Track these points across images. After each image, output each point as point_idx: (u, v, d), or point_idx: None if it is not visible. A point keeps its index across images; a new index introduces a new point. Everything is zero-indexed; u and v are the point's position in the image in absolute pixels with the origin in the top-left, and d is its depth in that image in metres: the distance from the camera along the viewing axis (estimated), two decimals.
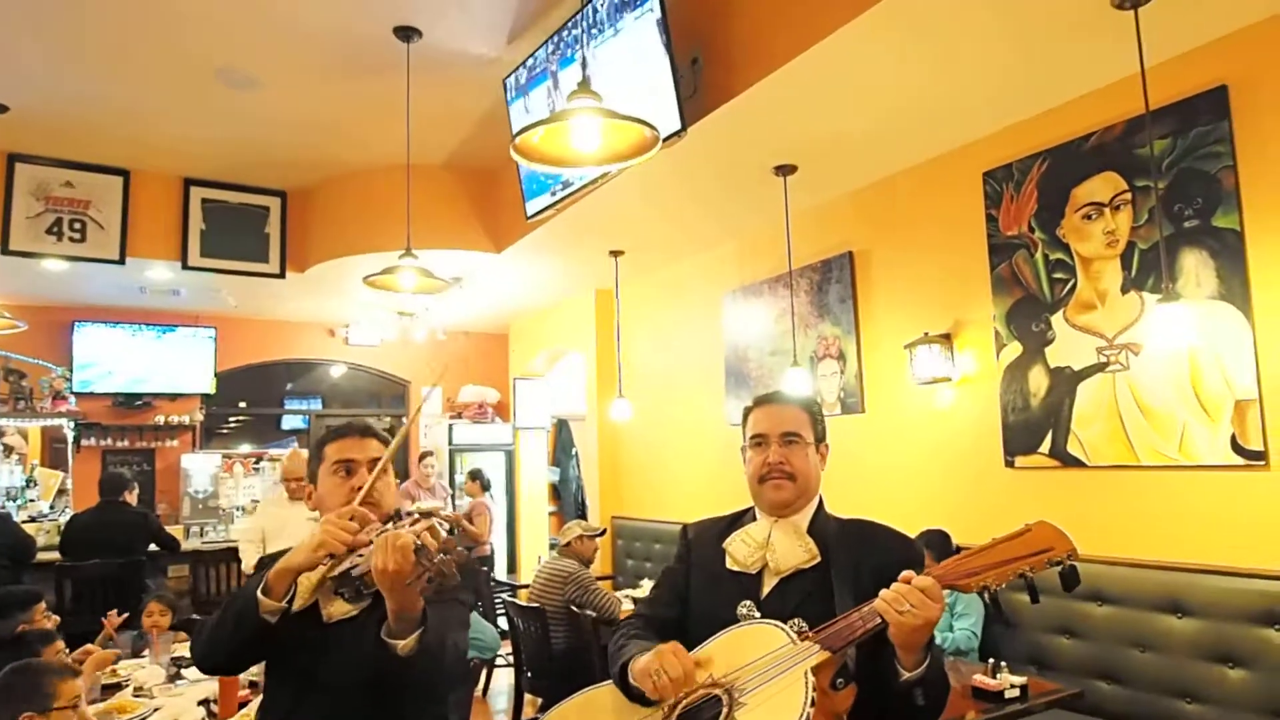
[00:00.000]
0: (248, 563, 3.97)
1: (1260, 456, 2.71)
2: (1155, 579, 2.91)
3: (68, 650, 2.43)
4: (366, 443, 1.71)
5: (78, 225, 5.00)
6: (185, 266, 5.33)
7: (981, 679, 2.55)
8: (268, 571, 1.49)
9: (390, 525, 1.48)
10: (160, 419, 6.68)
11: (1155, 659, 2.88)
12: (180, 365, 6.73)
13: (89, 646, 2.73)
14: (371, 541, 1.40)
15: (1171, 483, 2.96)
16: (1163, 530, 2.96)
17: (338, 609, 1.52)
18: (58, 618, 3.03)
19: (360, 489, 1.60)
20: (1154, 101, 2.82)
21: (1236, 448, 2.77)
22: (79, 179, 5.00)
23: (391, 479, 1.73)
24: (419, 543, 1.32)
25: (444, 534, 1.43)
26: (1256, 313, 2.74)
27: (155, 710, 2.52)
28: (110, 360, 6.49)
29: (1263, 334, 2.72)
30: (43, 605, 3.10)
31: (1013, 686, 2.52)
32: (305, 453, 5.89)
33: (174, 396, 6.76)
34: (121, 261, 5.12)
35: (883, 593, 1.27)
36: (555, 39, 3.64)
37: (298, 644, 1.53)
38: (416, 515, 1.57)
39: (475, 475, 6.27)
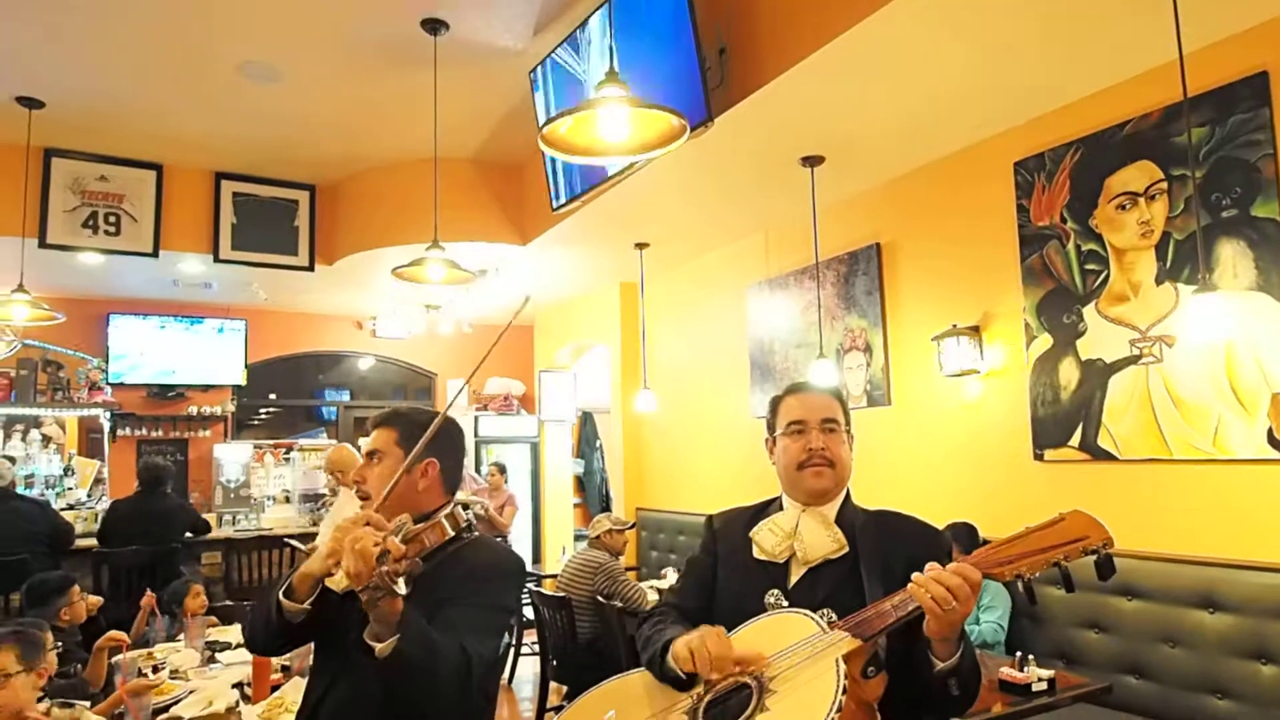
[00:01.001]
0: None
1: None
2: (1187, 573, 2.87)
3: (59, 644, 2.52)
4: (372, 432, 1.73)
5: (112, 219, 5.09)
6: (217, 259, 5.42)
7: (1009, 672, 2.53)
8: (293, 572, 1.53)
9: (407, 522, 1.44)
10: (193, 410, 6.81)
11: (1186, 654, 2.84)
12: (212, 357, 6.85)
13: (112, 634, 2.80)
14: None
15: (1205, 476, 2.91)
16: (1195, 524, 2.92)
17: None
18: (99, 599, 3.09)
19: (356, 482, 1.65)
20: (1192, 89, 2.76)
21: (1273, 441, 2.72)
22: (113, 173, 5.09)
23: (396, 468, 1.64)
24: (383, 549, 1.30)
25: (446, 531, 1.41)
26: None
27: (190, 693, 2.57)
28: (143, 352, 6.62)
29: None
30: (77, 589, 3.18)
31: (1040, 680, 2.49)
32: (349, 447, 6.02)
33: (206, 388, 6.88)
34: (155, 254, 5.21)
35: (916, 578, 1.26)
36: (582, 30, 3.64)
37: (343, 624, 1.53)
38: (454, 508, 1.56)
39: (503, 469, 6.35)
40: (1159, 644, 2.92)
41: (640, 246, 5.30)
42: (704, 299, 5.70)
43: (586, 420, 8.71)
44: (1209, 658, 2.78)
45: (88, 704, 2.40)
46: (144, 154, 5.10)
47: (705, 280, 5.68)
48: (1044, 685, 2.49)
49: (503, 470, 6.34)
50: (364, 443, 1.71)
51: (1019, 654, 2.58)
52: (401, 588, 1.31)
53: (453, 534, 1.48)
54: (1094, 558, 1.23)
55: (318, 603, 1.51)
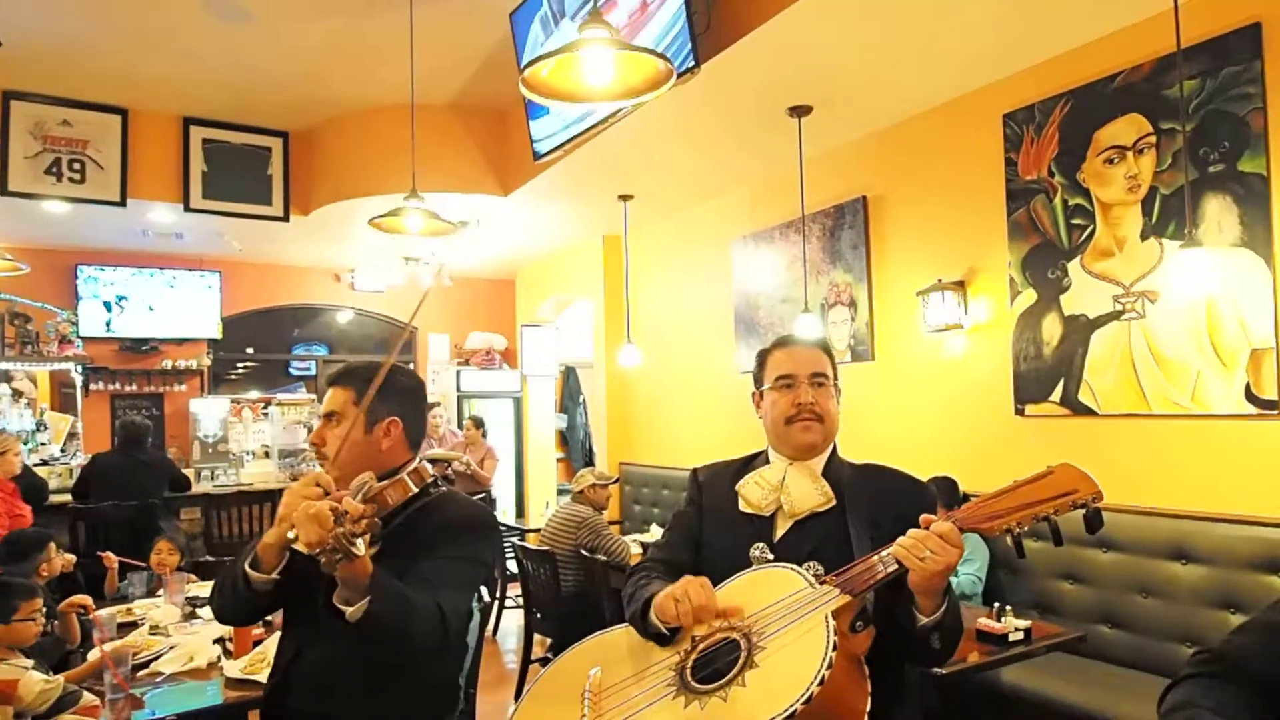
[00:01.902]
0: None
1: (1274, 406, 2.69)
2: (1162, 526, 2.92)
3: (45, 609, 2.49)
4: (328, 392, 1.68)
5: (77, 166, 4.92)
6: (187, 209, 5.27)
7: (986, 623, 2.57)
8: (257, 542, 1.51)
9: (370, 481, 1.42)
10: (167, 364, 6.70)
11: (1158, 604, 2.91)
12: (185, 310, 6.71)
13: (75, 598, 2.77)
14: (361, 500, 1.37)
15: (1183, 431, 2.94)
16: (1172, 479, 2.96)
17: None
18: (73, 557, 3.06)
19: (314, 442, 1.62)
20: (1185, 40, 2.71)
21: (1250, 397, 2.74)
22: (76, 118, 4.91)
23: (363, 435, 1.62)
24: (339, 510, 1.27)
25: (411, 488, 1.39)
26: (1278, 260, 2.68)
27: (171, 648, 2.55)
28: (114, 304, 6.47)
29: None
30: (53, 546, 3.14)
31: (1016, 630, 2.54)
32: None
33: (180, 341, 6.76)
34: (122, 203, 5.05)
35: (900, 540, 1.26)
36: None
37: (309, 594, 1.53)
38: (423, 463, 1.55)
39: (479, 423, 6.29)
40: (1133, 594, 2.98)
41: (624, 198, 5.22)
42: (689, 252, 5.64)
43: (569, 375, 8.68)
44: (1181, 608, 2.84)
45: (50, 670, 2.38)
46: (108, 97, 4.91)
47: (690, 233, 5.61)
48: (1020, 635, 2.54)
49: (479, 424, 6.27)
50: (324, 409, 1.68)
51: (996, 605, 2.62)
52: (360, 548, 1.28)
53: (416, 490, 1.46)
54: (1083, 511, 1.23)
55: (286, 580, 1.49)
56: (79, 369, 6.28)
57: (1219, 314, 2.83)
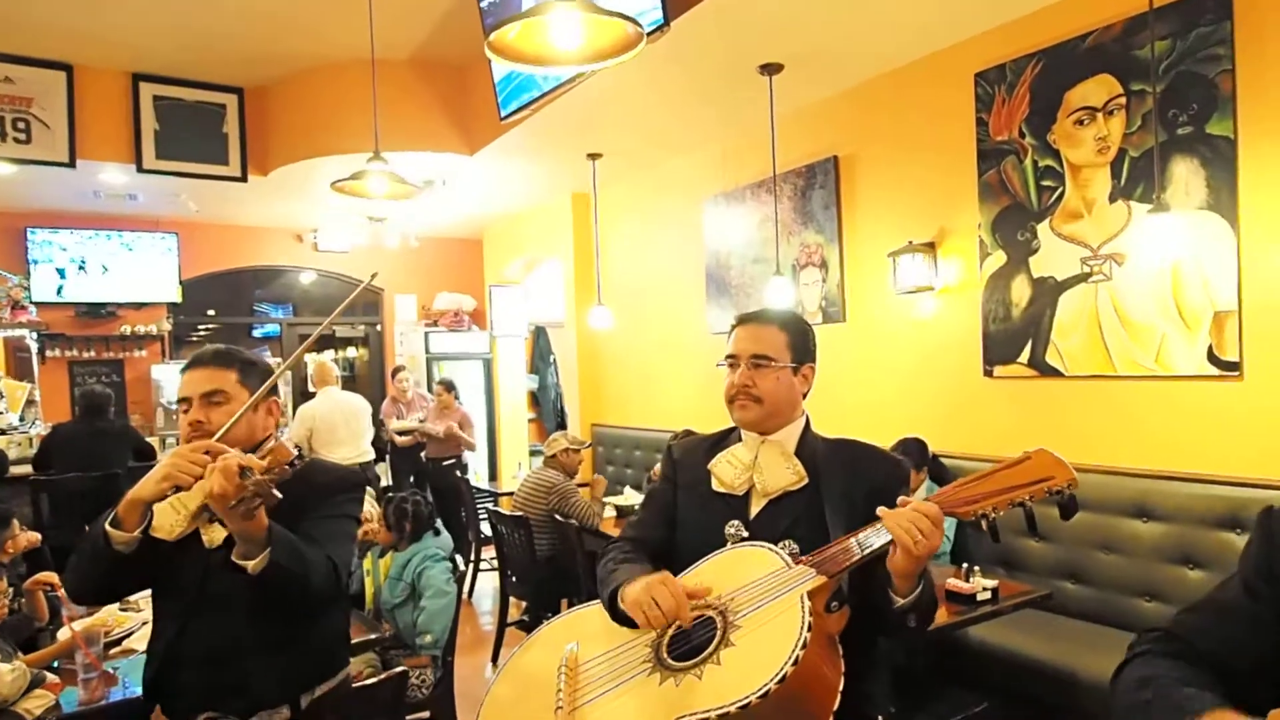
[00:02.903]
0: None
1: (1235, 367, 2.75)
2: (1126, 485, 3.00)
3: (11, 589, 2.44)
4: (199, 374, 1.68)
5: (21, 125, 4.71)
6: (140, 169, 5.07)
7: (955, 582, 2.64)
8: (117, 504, 1.51)
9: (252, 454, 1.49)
10: (126, 329, 6.52)
11: (1120, 560, 3.00)
12: (143, 273, 6.51)
13: (41, 575, 2.72)
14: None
15: (1147, 392, 3.01)
16: (1136, 439, 3.03)
17: (217, 534, 1.53)
18: (37, 535, 3.00)
19: (194, 423, 1.62)
20: None
21: (1212, 358, 2.80)
22: (18, 74, 4.67)
23: (236, 410, 1.65)
24: (244, 465, 1.37)
25: (289, 451, 1.47)
26: (1243, 223, 2.72)
27: (144, 624, 2.53)
28: (68, 268, 6.26)
29: (1247, 245, 2.71)
30: (16, 523, 3.06)
31: (984, 589, 2.61)
32: (329, 361, 6.05)
33: (139, 306, 6.57)
34: (71, 164, 4.85)
35: (892, 515, 1.25)
36: None
37: (181, 570, 1.57)
38: (280, 441, 1.57)
39: (450, 386, 6.22)
40: (1096, 551, 3.07)
41: (593, 157, 5.12)
42: (659, 212, 5.58)
43: (539, 335, 8.62)
44: (1142, 564, 2.93)
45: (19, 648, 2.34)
46: (51, 52, 4.67)
47: (660, 192, 5.55)
48: (988, 594, 2.61)
49: (450, 388, 6.21)
50: (189, 380, 1.68)
51: (965, 565, 2.68)
52: (276, 494, 1.38)
53: (296, 453, 1.53)
54: (1058, 498, 1.24)
55: (148, 548, 1.49)
56: (34, 336, 6.09)
57: (1184, 277, 2.87)
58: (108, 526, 1.48)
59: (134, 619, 2.58)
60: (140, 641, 2.41)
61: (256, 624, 1.57)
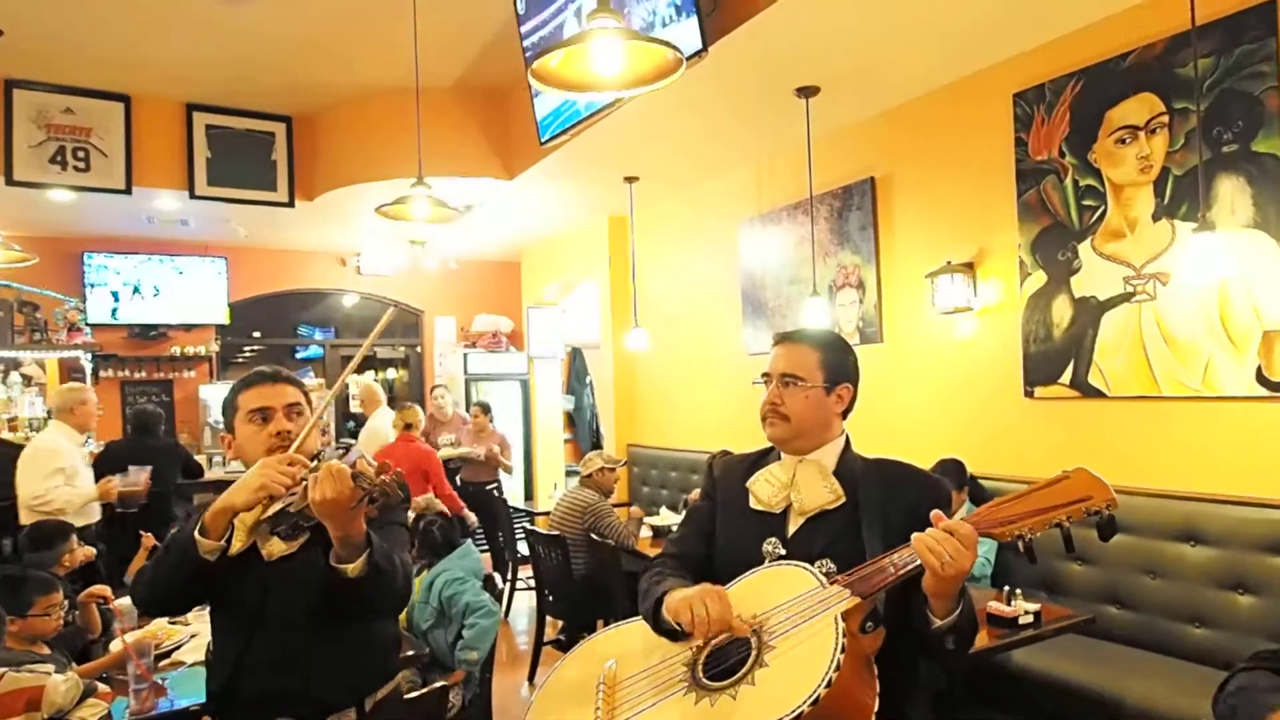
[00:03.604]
0: None
1: None
2: (1172, 508, 2.93)
3: (67, 602, 2.53)
4: (279, 389, 1.72)
5: (81, 154, 4.92)
6: (193, 196, 5.26)
7: (996, 606, 2.60)
8: (201, 515, 1.54)
9: (315, 462, 1.53)
10: (176, 350, 6.73)
11: (1166, 585, 2.92)
12: (193, 296, 6.73)
13: (94, 588, 2.81)
14: (303, 480, 1.46)
15: (1193, 414, 2.94)
16: (1182, 461, 2.96)
17: (276, 548, 1.57)
18: (93, 550, 3.10)
19: (283, 433, 1.65)
20: (1199, 17, 2.68)
21: (1261, 379, 2.73)
22: (79, 105, 4.89)
23: (308, 422, 1.73)
24: (355, 470, 1.40)
25: (372, 462, 1.50)
26: None
27: (192, 637, 2.60)
28: (121, 291, 6.49)
29: None
30: (75, 536, 3.17)
31: (1026, 613, 2.57)
32: (374, 383, 6.22)
33: (189, 327, 6.78)
34: (128, 191, 5.05)
35: (920, 538, 1.26)
36: None
37: (240, 585, 1.58)
38: (342, 452, 1.61)
39: (487, 409, 6.25)
40: (1140, 575, 2.99)
41: (630, 180, 5.19)
42: (696, 234, 5.62)
43: (576, 356, 8.69)
44: (1189, 588, 2.86)
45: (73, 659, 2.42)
46: (111, 84, 4.89)
47: (697, 214, 5.59)
48: (1030, 618, 2.56)
49: (486, 410, 6.22)
50: (270, 393, 1.72)
51: (1006, 588, 2.64)
52: (399, 493, 1.45)
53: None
54: (1096, 519, 1.23)
55: (223, 558, 1.53)
56: (88, 356, 6.31)
57: (1231, 296, 2.81)
58: (196, 535, 1.51)
59: (183, 632, 2.64)
60: (189, 654, 2.48)
61: (319, 632, 1.61)
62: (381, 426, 5.67)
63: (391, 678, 1.78)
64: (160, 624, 2.73)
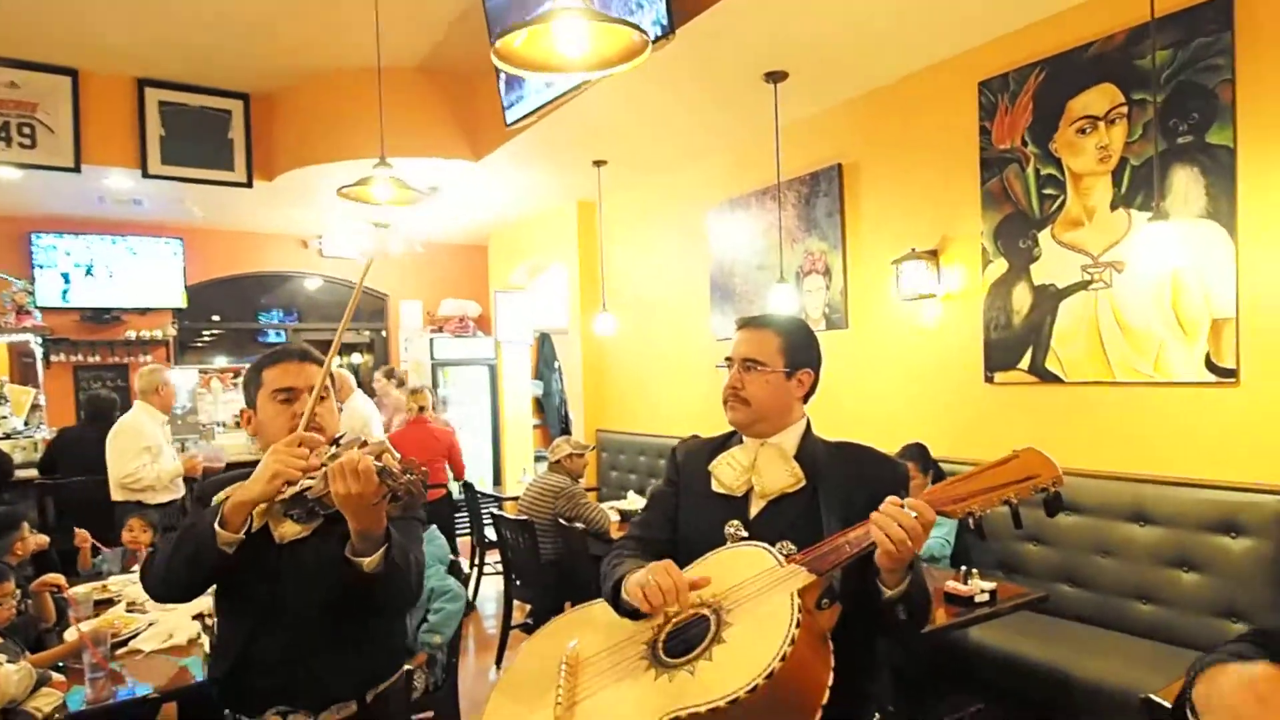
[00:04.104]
0: None
1: (1232, 374, 2.77)
2: (1123, 490, 3.01)
3: (19, 591, 2.47)
4: (305, 368, 1.66)
5: (26, 130, 4.75)
6: (146, 175, 5.11)
7: (953, 585, 2.65)
8: (217, 507, 1.48)
9: (334, 448, 1.48)
10: (131, 334, 6.56)
11: (1117, 564, 3.01)
12: (148, 279, 6.56)
13: (48, 577, 2.74)
14: (323, 465, 1.41)
15: (1145, 399, 3.02)
16: (1134, 444, 3.04)
17: (289, 530, 1.52)
18: (45, 538, 3.02)
19: (303, 415, 1.59)
20: (1158, 9, 2.73)
21: (1210, 365, 2.82)
22: (24, 79, 4.71)
23: (333, 403, 1.69)
24: (381, 465, 1.34)
25: (395, 455, 1.44)
26: (1241, 232, 2.74)
27: (150, 625, 2.55)
28: (72, 273, 6.30)
29: (1245, 253, 2.73)
30: (26, 525, 3.09)
31: (982, 592, 2.63)
32: (346, 371, 6.05)
33: (144, 311, 6.61)
34: (76, 169, 4.89)
35: (874, 518, 1.29)
36: None
37: (250, 569, 1.52)
38: (361, 439, 1.56)
39: (390, 373, 6.17)
40: (1092, 555, 3.08)
41: (598, 164, 5.16)
42: (665, 219, 5.61)
43: (544, 341, 8.65)
44: (1138, 567, 2.95)
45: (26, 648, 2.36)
46: (57, 57, 4.71)
47: (666, 200, 5.58)
48: (986, 596, 2.62)
49: (390, 375, 6.09)
50: (296, 372, 1.66)
51: (963, 568, 2.70)
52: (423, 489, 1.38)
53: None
54: (1043, 495, 1.26)
55: (241, 546, 1.49)
56: (38, 340, 6.13)
57: (1183, 285, 2.89)
58: (217, 527, 1.46)
59: (140, 620, 2.60)
60: (147, 642, 2.43)
61: (328, 623, 1.56)
62: (361, 409, 5.52)
63: (398, 669, 1.73)
64: (117, 612, 2.68)
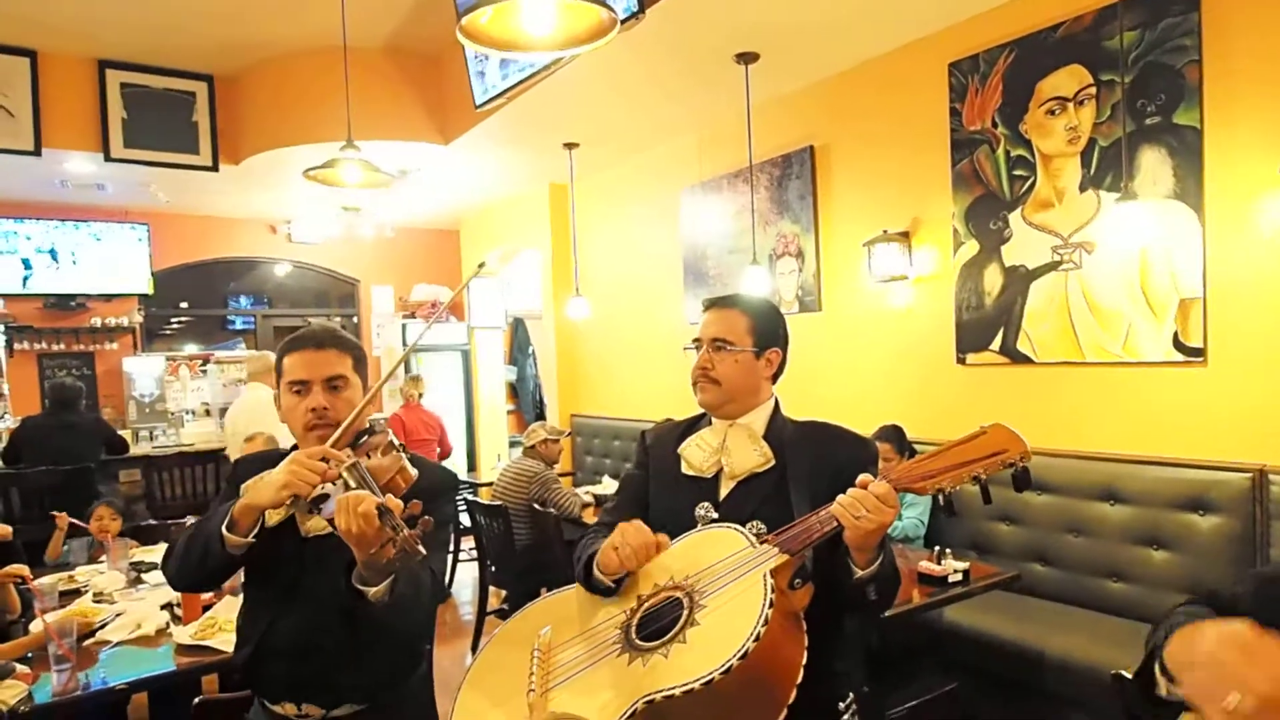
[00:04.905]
0: None
1: (1199, 353, 2.80)
2: (1094, 469, 3.05)
3: None
4: (320, 356, 1.57)
5: None
6: (108, 159, 4.99)
7: (927, 565, 2.68)
8: (232, 504, 1.45)
9: (366, 438, 1.45)
10: (97, 321, 6.42)
11: (1088, 543, 3.05)
12: (113, 265, 6.41)
13: (11, 568, 2.68)
14: (340, 474, 1.37)
15: (1114, 378, 3.06)
16: (1104, 424, 3.08)
17: (315, 525, 1.50)
18: (9, 528, 2.96)
19: (318, 409, 1.53)
20: None
21: (1178, 345, 2.85)
22: None
23: (352, 394, 1.60)
24: (383, 506, 1.27)
25: (412, 473, 1.40)
26: (1208, 212, 2.77)
27: (117, 615, 2.51)
28: (34, 259, 6.15)
29: (1212, 234, 2.76)
30: None
31: (956, 571, 2.65)
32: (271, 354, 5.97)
33: (109, 297, 6.47)
34: (37, 153, 4.76)
35: (839, 498, 1.29)
36: None
37: (277, 557, 1.52)
38: (384, 426, 1.51)
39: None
40: (1064, 534, 3.12)
41: (570, 146, 5.11)
42: (637, 201, 5.58)
43: (518, 326, 8.59)
44: (1109, 546, 2.99)
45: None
46: (14, 38, 4.57)
47: (638, 182, 5.54)
48: (959, 576, 2.65)
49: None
50: (308, 361, 1.56)
51: (937, 548, 2.72)
52: (423, 549, 1.27)
53: (407, 457, 1.48)
54: (1011, 471, 1.27)
55: (256, 543, 1.46)
56: (1, 328, 5.99)
57: (1151, 265, 2.92)
58: (224, 530, 1.43)
59: (107, 611, 2.55)
60: (114, 633, 2.39)
61: (347, 622, 1.50)
62: (262, 399, 5.21)
63: (416, 668, 1.70)
64: (84, 603, 2.63)
